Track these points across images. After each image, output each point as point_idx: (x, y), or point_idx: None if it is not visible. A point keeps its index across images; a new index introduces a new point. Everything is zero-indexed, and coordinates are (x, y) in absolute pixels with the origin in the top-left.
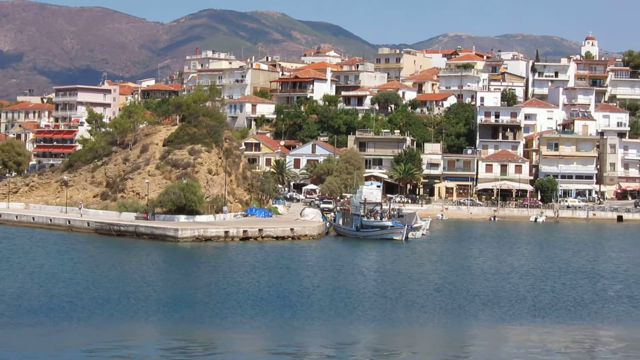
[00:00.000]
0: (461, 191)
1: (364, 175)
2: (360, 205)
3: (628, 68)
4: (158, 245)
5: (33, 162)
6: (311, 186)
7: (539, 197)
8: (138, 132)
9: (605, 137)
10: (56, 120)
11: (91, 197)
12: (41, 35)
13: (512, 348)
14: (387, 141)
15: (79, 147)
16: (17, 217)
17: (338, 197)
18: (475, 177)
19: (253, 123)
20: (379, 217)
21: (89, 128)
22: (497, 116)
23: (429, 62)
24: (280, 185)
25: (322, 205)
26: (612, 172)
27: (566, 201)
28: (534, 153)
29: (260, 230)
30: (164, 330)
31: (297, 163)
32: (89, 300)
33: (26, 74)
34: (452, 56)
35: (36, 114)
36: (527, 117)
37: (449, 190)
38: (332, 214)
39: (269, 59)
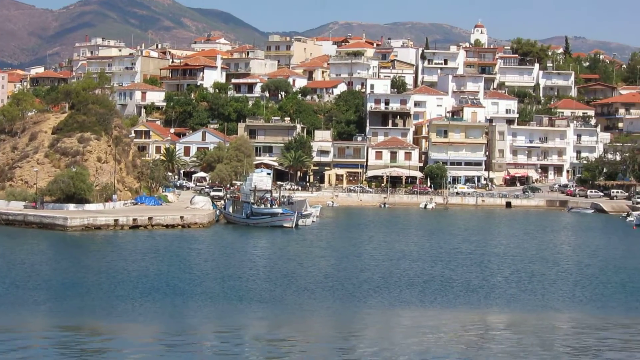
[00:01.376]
0: (351, 178)
1: (254, 162)
2: (251, 193)
3: (516, 56)
4: (47, 234)
5: None
6: (201, 174)
7: (429, 184)
8: (27, 120)
9: (494, 124)
10: None
11: None
12: None
13: (402, 333)
14: (278, 129)
15: None
16: None
17: (228, 185)
18: (365, 164)
19: (143, 111)
20: (269, 205)
21: None
22: (387, 103)
23: (319, 50)
24: (170, 173)
25: (212, 193)
26: (500, 159)
27: (455, 188)
28: (423, 140)
29: (150, 218)
30: (52, 320)
31: (187, 151)
32: None
33: None
34: (342, 44)
35: None
36: (416, 104)
37: (339, 178)
38: (222, 201)
39: (159, 46)
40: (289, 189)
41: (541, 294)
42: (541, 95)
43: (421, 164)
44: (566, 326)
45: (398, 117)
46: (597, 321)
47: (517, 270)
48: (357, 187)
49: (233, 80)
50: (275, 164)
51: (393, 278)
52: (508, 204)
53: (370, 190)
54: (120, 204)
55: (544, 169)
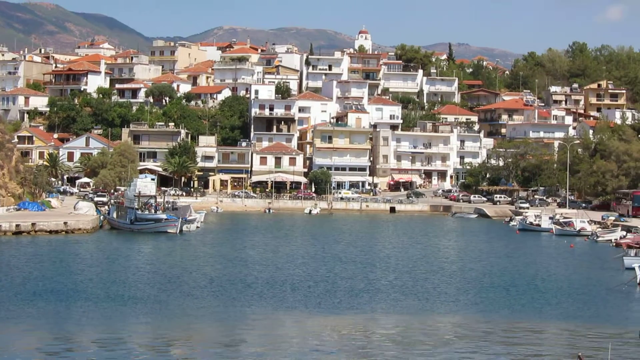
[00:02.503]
0: (236, 184)
1: (139, 168)
2: (135, 199)
3: (400, 62)
4: None
5: None
6: (85, 179)
7: (313, 189)
8: None
9: (378, 129)
10: None
11: None
12: None
13: (286, 338)
14: (162, 134)
15: None
16: None
17: (112, 191)
18: (249, 169)
19: (26, 116)
20: (153, 210)
21: None
22: (271, 109)
23: (203, 55)
24: (53, 179)
25: (96, 199)
26: (385, 164)
27: (340, 193)
28: (308, 145)
29: (33, 224)
30: None
31: (70, 156)
32: None
33: None
34: (227, 49)
35: None
36: (301, 109)
37: (223, 183)
38: (106, 207)
39: (43, 50)
40: (173, 195)
41: (425, 298)
42: (425, 101)
43: (306, 170)
44: (449, 330)
45: (282, 122)
46: (480, 324)
47: (401, 274)
48: (242, 192)
49: (117, 86)
50: (160, 169)
51: (277, 283)
52: (392, 209)
53: (255, 195)
54: (2, 210)
55: (428, 174)
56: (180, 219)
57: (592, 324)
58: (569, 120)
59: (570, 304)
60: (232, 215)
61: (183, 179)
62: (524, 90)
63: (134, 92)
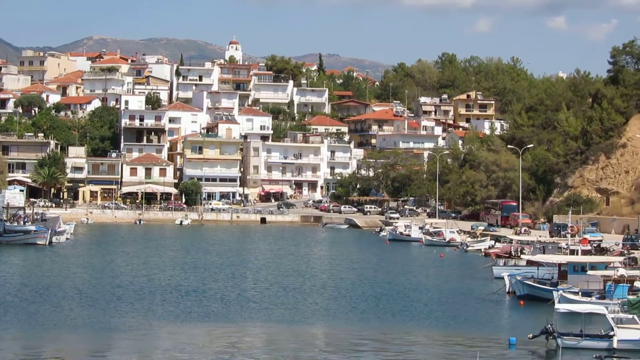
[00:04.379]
0: (106, 195)
1: (7, 179)
2: (3, 210)
3: (271, 72)
4: None
5: None
6: None
7: (184, 200)
8: None
9: (248, 140)
10: None
11: None
12: None
13: (157, 348)
14: (31, 145)
15: None
16: None
17: None
18: (119, 180)
19: None
20: (22, 222)
21: None
22: (141, 119)
23: (73, 65)
24: None
25: None
26: (255, 175)
27: (210, 204)
28: (178, 156)
29: None
30: None
31: None
32: None
33: None
34: (97, 59)
35: None
36: (171, 120)
37: (93, 194)
38: None
39: None
40: (43, 206)
41: (296, 308)
42: (295, 111)
43: (176, 180)
44: (320, 340)
45: (153, 133)
46: (351, 334)
47: (272, 284)
48: (112, 203)
49: None
50: (29, 180)
51: (147, 293)
52: (263, 220)
53: (125, 206)
54: None
55: (299, 184)
56: (50, 231)
57: (463, 333)
58: (438, 130)
59: (441, 313)
60: (102, 227)
61: (52, 190)
62: (394, 101)
63: (3, 103)
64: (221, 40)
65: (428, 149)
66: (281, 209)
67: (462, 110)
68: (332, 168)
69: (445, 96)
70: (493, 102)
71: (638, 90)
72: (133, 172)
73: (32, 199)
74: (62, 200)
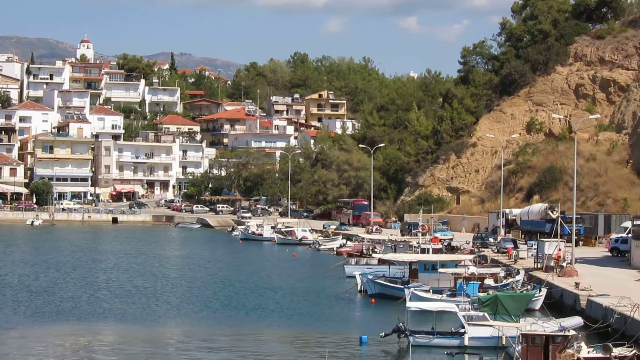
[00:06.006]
0: None
1: None
2: None
3: (122, 71)
4: None
5: None
6: None
7: (35, 200)
8: None
9: (100, 139)
10: None
11: None
12: None
13: (6, 350)
14: None
15: None
16: None
17: None
18: None
19: None
20: None
21: None
22: None
23: None
24: None
25: None
26: (107, 175)
27: (62, 204)
28: (29, 156)
29: None
30: None
31: None
32: None
33: None
34: None
35: None
36: (22, 119)
37: None
38: None
39: None
40: None
41: (148, 307)
42: (147, 111)
43: (27, 180)
44: (173, 339)
45: (3, 132)
46: (203, 333)
47: (124, 284)
48: None
49: None
50: None
51: None
52: (115, 220)
53: None
54: None
55: (151, 184)
56: None
57: (314, 331)
58: (290, 130)
59: (293, 311)
60: None
61: None
62: (246, 100)
63: None
64: (73, 38)
65: (280, 149)
66: (133, 209)
67: (314, 110)
68: (184, 167)
69: (297, 96)
70: (345, 101)
71: (488, 90)
72: None
73: None
74: None
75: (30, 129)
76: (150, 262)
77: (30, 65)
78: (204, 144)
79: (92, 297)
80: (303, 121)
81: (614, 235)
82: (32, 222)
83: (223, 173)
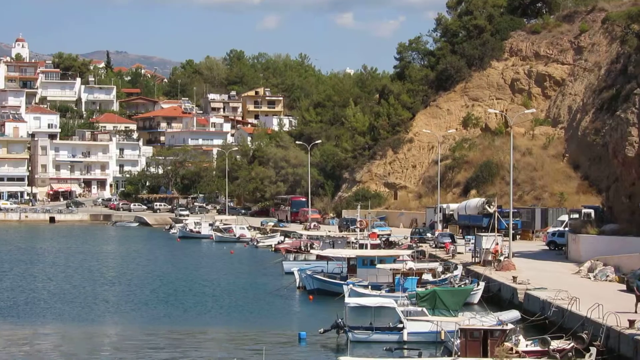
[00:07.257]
0: None
1: None
2: None
3: (58, 70)
4: None
5: None
6: None
7: None
8: None
9: (36, 139)
10: None
11: None
12: None
13: None
14: None
15: None
16: None
17: None
18: None
19: None
20: None
21: None
22: None
23: None
24: None
25: None
26: (44, 174)
27: None
28: None
29: None
30: None
31: None
32: None
33: None
34: None
35: None
36: None
37: None
38: None
39: None
40: None
41: (86, 307)
42: (83, 109)
43: None
44: (111, 339)
45: None
46: (142, 332)
47: (62, 283)
48: None
49: None
50: None
51: None
52: (52, 219)
53: None
54: None
55: (88, 183)
56: None
57: (252, 328)
58: (227, 127)
59: (232, 309)
60: None
61: None
62: (183, 98)
63: None
64: (7, 37)
65: (217, 146)
66: (70, 208)
67: (251, 107)
68: (122, 166)
69: (233, 93)
70: (281, 98)
71: (424, 86)
72: None
73: None
74: None
75: None
76: (88, 261)
77: None
78: (140, 142)
79: (30, 296)
80: (240, 118)
81: (551, 229)
82: None
83: (160, 171)
